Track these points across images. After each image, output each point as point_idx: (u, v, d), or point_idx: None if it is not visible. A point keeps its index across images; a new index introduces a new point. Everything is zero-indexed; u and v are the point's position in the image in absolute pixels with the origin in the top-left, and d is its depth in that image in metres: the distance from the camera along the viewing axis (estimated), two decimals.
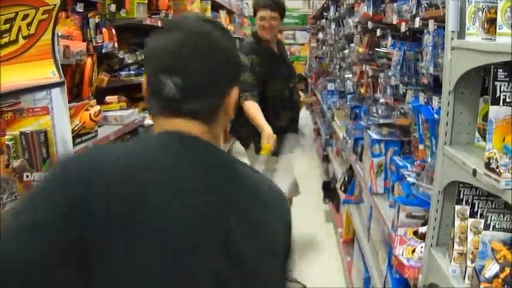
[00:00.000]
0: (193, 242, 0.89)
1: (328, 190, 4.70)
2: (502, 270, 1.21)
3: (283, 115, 3.31)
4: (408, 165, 2.14)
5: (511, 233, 1.34)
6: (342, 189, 3.65)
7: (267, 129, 2.89)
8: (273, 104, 3.25)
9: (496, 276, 1.21)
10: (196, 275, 0.89)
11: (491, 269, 1.24)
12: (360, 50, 3.26)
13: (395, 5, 2.39)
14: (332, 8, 5.37)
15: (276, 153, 3.02)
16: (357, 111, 3.53)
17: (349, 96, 4.07)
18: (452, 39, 1.52)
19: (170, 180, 0.91)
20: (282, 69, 3.36)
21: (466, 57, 1.43)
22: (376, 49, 2.85)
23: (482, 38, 1.43)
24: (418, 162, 2.05)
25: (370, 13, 2.98)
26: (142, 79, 1.06)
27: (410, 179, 2.01)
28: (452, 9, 1.51)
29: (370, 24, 3.01)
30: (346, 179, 3.65)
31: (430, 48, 1.87)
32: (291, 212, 1.14)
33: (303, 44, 10.73)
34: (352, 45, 3.73)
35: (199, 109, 0.99)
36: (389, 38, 2.58)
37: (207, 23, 1.04)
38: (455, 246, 1.46)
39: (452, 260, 1.47)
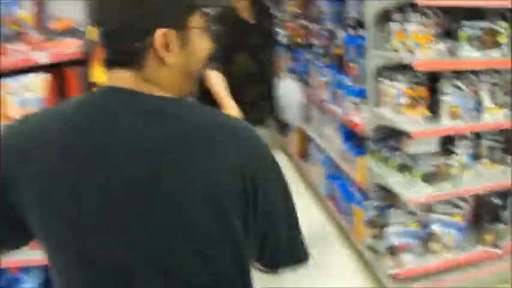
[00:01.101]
0: (121, 187, 0.97)
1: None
2: None
3: (248, 92, 3.27)
4: (346, 78, 3.77)
5: None
6: None
7: (228, 103, 2.95)
8: (237, 79, 3.20)
9: None
10: (125, 217, 0.98)
11: None
12: (295, 9, 4.89)
13: None
14: None
15: None
16: (295, 55, 5.15)
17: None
18: None
19: (94, 136, 0.97)
20: (250, 40, 3.26)
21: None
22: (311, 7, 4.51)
23: None
24: (352, 75, 3.67)
25: None
26: None
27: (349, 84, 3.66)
28: None
29: None
30: None
31: (353, 2, 3.50)
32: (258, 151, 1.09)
33: None
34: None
35: (120, 56, 1.02)
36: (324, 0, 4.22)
37: None
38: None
39: None
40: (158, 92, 1.05)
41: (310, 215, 4.24)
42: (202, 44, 1.10)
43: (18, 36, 2.31)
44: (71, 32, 2.18)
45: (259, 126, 3.26)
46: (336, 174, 3.99)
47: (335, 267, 3.46)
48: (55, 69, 2.15)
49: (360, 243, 3.42)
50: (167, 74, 1.06)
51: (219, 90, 2.99)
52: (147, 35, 1.00)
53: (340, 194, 3.84)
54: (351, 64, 3.58)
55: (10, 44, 2.21)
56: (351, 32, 3.49)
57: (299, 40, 4.90)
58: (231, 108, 2.90)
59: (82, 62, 2.12)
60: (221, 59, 3.05)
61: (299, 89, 3.67)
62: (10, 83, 2.16)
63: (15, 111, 2.16)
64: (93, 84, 2.09)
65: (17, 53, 2.15)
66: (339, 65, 3.89)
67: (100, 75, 2.06)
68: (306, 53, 4.75)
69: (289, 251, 1.18)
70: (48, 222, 1.01)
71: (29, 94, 2.13)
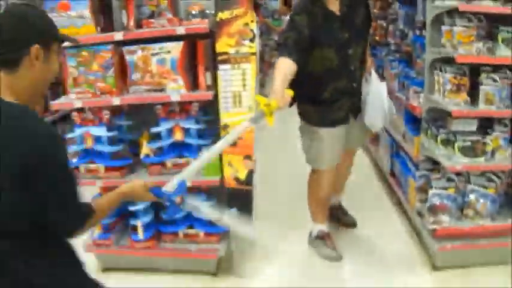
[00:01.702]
0: None
1: None
2: None
3: (330, 89, 3.44)
4: (412, 71, 4.64)
5: None
6: None
7: (274, 86, 2.87)
8: (318, 74, 3.38)
9: None
10: None
11: None
12: (375, 11, 5.77)
13: None
14: None
15: None
16: (374, 52, 6.05)
17: None
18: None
19: None
20: (337, 33, 3.32)
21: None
22: (388, 9, 5.40)
23: None
24: (417, 68, 4.54)
25: None
26: None
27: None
28: None
29: None
30: None
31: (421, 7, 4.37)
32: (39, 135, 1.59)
33: None
34: None
35: (2, 60, 1.61)
36: (397, 3, 5.12)
37: (24, 3, 1.69)
38: None
39: None
40: (9, 97, 1.60)
41: (371, 190, 5.17)
42: (55, 65, 1.72)
43: (153, 15, 3.36)
44: (202, 13, 3.22)
45: (337, 124, 3.57)
46: (398, 153, 4.87)
47: (388, 229, 4.35)
48: (188, 40, 3.20)
49: (411, 210, 4.28)
50: (29, 78, 1.64)
51: (276, 74, 2.99)
52: (26, 47, 1.59)
53: (400, 169, 4.71)
54: (417, 59, 4.45)
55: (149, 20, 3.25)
56: (418, 32, 4.37)
57: (377, 38, 5.79)
58: (273, 94, 2.77)
59: (209, 36, 3.15)
60: (300, 50, 3.16)
61: (387, 90, 3.73)
62: (153, 46, 3.22)
63: (154, 68, 3.23)
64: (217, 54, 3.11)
65: (160, 26, 3.22)
66: (408, 60, 4.77)
67: (222, 47, 3.08)
68: (383, 50, 5.66)
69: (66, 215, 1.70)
70: None
71: (166, 55, 3.19)
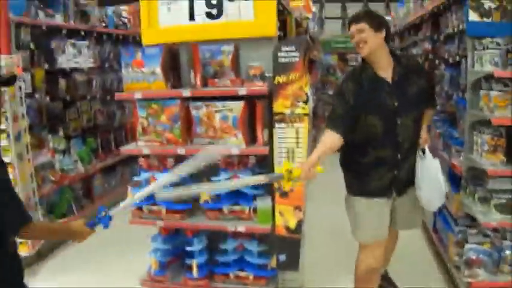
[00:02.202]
0: None
1: None
2: None
3: (371, 157, 3.46)
4: (455, 131, 5.06)
5: None
6: None
7: (310, 157, 3.20)
8: (361, 141, 3.42)
9: None
10: None
11: None
12: None
13: (446, 46, 5.40)
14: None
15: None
16: None
17: None
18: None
19: None
20: (385, 101, 3.32)
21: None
22: (435, 71, 5.87)
23: None
24: (459, 129, 4.96)
25: (430, 48, 6.03)
26: None
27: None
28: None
29: (430, 56, 6.04)
30: None
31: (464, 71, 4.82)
32: None
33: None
34: None
35: None
36: (443, 65, 5.59)
37: None
38: None
39: None
40: None
41: (416, 245, 5.54)
42: None
43: (217, 74, 3.90)
44: (262, 76, 3.73)
45: (376, 196, 3.56)
46: (440, 210, 5.25)
47: (429, 283, 4.73)
48: (248, 99, 3.71)
49: (450, 264, 4.65)
50: None
51: (317, 148, 3.29)
52: None
53: (441, 224, 5.10)
54: (460, 120, 4.88)
55: (213, 79, 3.76)
56: (461, 94, 4.81)
57: None
58: (303, 164, 3.17)
59: (267, 97, 3.67)
60: (348, 120, 3.34)
61: (441, 169, 3.64)
62: (217, 103, 3.74)
63: (217, 123, 3.74)
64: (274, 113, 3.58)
65: (224, 86, 3.74)
66: (452, 120, 5.20)
67: (279, 107, 3.57)
68: None
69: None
70: None
71: (228, 113, 3.71)
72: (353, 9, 16.74)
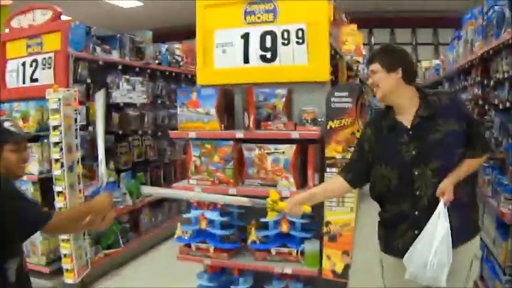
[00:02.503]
0: None
1: None
2: None
3: (390, 212, 2.95)
4: (504, 178, 5.02)
5: None
6: None
7: (299, 194, 3.07)
8: (380, 194, 2.97)
9: None
10: None
11: None
12: None
13: (496, 92, 5.38)
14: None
15: None
16: None
17: None
18: None
19: None
20: (401, 148, 2.83)
21: None
22: (484, 117, 5.84)
23: None
24: (509, 175, 4.92)
25: (480, 93, 6.01)
26: None
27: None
28: None
29: (480, 101, 6.01)
30: None
31: None
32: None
33: None
34: None
35: None
36: (493, 111, 5.56)
37: None
38: None
39: None
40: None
41: None
42: (10, 159, 2.46)
43: (269, 116, 3.97)
44: (314, 120, 3.79)
45: (399, 255, 2.85)
46: (488, 257, 5.18)
47: None
48: (300, 143, 3.76)
49: None
50: (6, 163, 2.41)
51: (316, 187, 3.26)
52: None
53: (488, 273, 5.02)
54: (510, 167, 4.84)
55: (266, 121, 3.83)
56: (511, 140, 4.77)
57: None
58: (290, 199, 3.05)
59: (319, 141, 3.71)
60: (362, 167, 3.02)
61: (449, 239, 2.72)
62: (269, 146, 3.80)
63: (269, 166, 3.79)
64: (325, 158, 3.64)
65: (276, 129, 3.80)
66: (501, 167, 5.15)
67: (330, 152, 3.61)
68: None
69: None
70: None
71: (280, 156, 3.75)
72: None
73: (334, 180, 3.12)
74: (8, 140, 2.48)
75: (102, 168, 3.00)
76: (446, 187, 2.76)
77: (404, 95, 2.88)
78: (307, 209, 2.95)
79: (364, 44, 10.72)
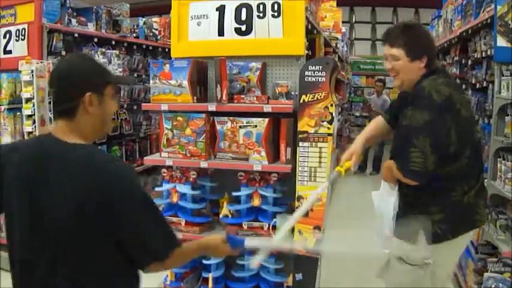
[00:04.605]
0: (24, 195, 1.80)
1: None
2: None
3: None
4: None
5: None
6: None
7: (354, 144, 3.07)
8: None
9: None
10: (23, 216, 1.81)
11: None
12: None
13: (473, 71, 5.31)
14: None
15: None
16: None
17: None
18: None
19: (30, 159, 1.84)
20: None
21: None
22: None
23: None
24: (485, 155, 4.86)
25: (458, 72, 5.93)
26: None
27: None
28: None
29: (457, 80, 5.94)
30: None
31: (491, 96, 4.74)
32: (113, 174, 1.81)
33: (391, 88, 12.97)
34: None
35: (60, 110, 1.86)
36: (469, 90, 5.49)
37: (75, 56, 2.18)
38: None
39: None
40: (75, 138, 1.84)
41: None
42: (110, 106, 1.94)
43: (243, 90, 3.86)
44: (287, 94, 3.68)
45: None
46: None
47: None
48: (273, 117, 3.66)
49: None
50: (88, 122, 1.87)
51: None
52: (79, 96, 1.82)
53: (462, 252, 4.98)
54: (485, 146, 4.78)
55: (240, 95, 3.73)
56: (487, 120, 4.72)
57: None
58: (353, 146, 3.06)
59: (292, 115, 3.61)
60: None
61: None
62: (242, 119, 3.69)
63: (241, 139, 3.69)
64: (297, 131, 3.56)
65: (249, 102, 3.69)
66: None
67: (303, 126, 3.52)
68: None
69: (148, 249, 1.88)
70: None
71: (253, 129, 3.65)
72: (383, 29, 16.91)
73: (377, 119, 3.25)
74: (113, 80, 2.03)
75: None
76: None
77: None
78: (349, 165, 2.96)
79: (344, 22, 10.61)
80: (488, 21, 4.46)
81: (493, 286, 3.98)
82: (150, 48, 7.62)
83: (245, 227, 3.74)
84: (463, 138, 2.65)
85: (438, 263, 2.83)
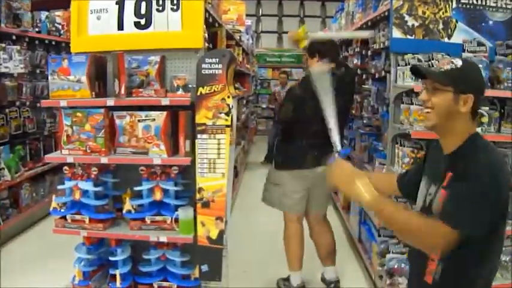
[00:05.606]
0: None
1: None
2: None
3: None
4: (380, 144, 5.10)
5: None
6: None
7: None
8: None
9: None
10: None
11: None
12: None
13: (373, 62, 5.43)
14: None
15: None
16: (350, 124, 6.55)
17: None
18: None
19: None
20: None
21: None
22: (363, 85, 5.91)
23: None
24: (383, 142, 5.01)
25: (359, 63, 6.06)
26: None
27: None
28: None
29: (359, 71, 6.08)
30: None
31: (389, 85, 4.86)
32: None
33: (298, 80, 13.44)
34: None
35: None
36: (370, 80, 5.62)
37: None
38: None
39: None
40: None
41: (342, 254, 5.51)
42: None
43: (142, 84, 3.79)
44: (185, 86, 3.65)
45: None
46: (365, 221, 5.26)
47: None
48: (171, 110, 3.62)
49: (374, 274, 4.64)
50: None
51: None
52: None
53: (366, 235, 5.10)
54: (384, 133, 4.91)
55: (139, 89, 3.68)
56: (386, 108, 4.84)
57: (354, 112, 6.28)
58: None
59: (190, 108, 3.58)
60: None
61: None
62: (140, 113, 3.63)
63: (140, 133, 3.63)
64: (196, 123, 3.52)
65: (147, 96, 3.64)
66: (377, 133, 5.23)
67: (201, 118, 3.49)
68: (357, 122, 6.14)
69: None
70: None
71: (151, 123, 3.60)
72: (289, 22, 17.39)
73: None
74: None
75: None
76: None
77: None
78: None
79: (250, 15, 10.64)
80: (386, 14, 4.57)
81: (396, 266, 4.08)
82: (53, 43, 7.40)
83: (148, 221, 3.71)
84: None
85: (284, 185, 4.53)
